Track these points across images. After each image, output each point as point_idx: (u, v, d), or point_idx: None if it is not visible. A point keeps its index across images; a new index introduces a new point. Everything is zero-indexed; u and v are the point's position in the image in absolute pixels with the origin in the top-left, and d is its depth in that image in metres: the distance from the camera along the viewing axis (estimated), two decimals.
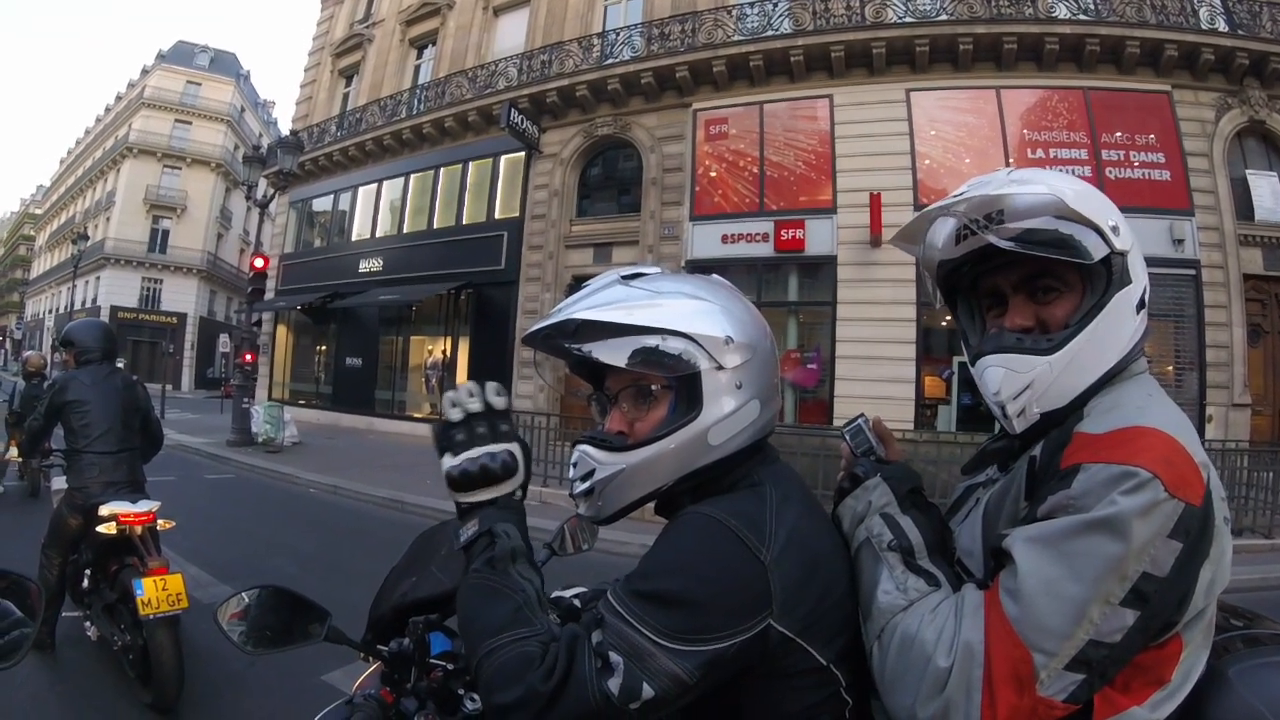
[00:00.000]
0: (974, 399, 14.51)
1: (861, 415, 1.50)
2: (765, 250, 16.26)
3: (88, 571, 4.59)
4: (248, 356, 18.43)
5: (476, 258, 20.51)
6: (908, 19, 15.90)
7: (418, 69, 24.93)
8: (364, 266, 23.58)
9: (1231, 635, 1.27)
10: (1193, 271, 14.74)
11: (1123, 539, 0.98)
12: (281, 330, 27.26)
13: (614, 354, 1.20)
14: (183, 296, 48.98)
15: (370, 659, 1.75)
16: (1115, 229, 1.17)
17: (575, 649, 1.07)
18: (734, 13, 17.48)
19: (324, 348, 26.05)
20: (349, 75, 27.34)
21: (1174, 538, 0.99)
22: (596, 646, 1.06)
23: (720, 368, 1.20)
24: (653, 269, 1.32)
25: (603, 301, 1.23)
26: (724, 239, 16.78)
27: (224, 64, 54.32)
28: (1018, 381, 1.19)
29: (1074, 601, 0.99)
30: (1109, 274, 1.18)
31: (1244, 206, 15.38)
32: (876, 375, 14.54)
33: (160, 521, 4.45)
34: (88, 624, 4.67)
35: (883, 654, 1.12)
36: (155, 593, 3.92)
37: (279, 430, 16.78)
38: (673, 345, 1.18)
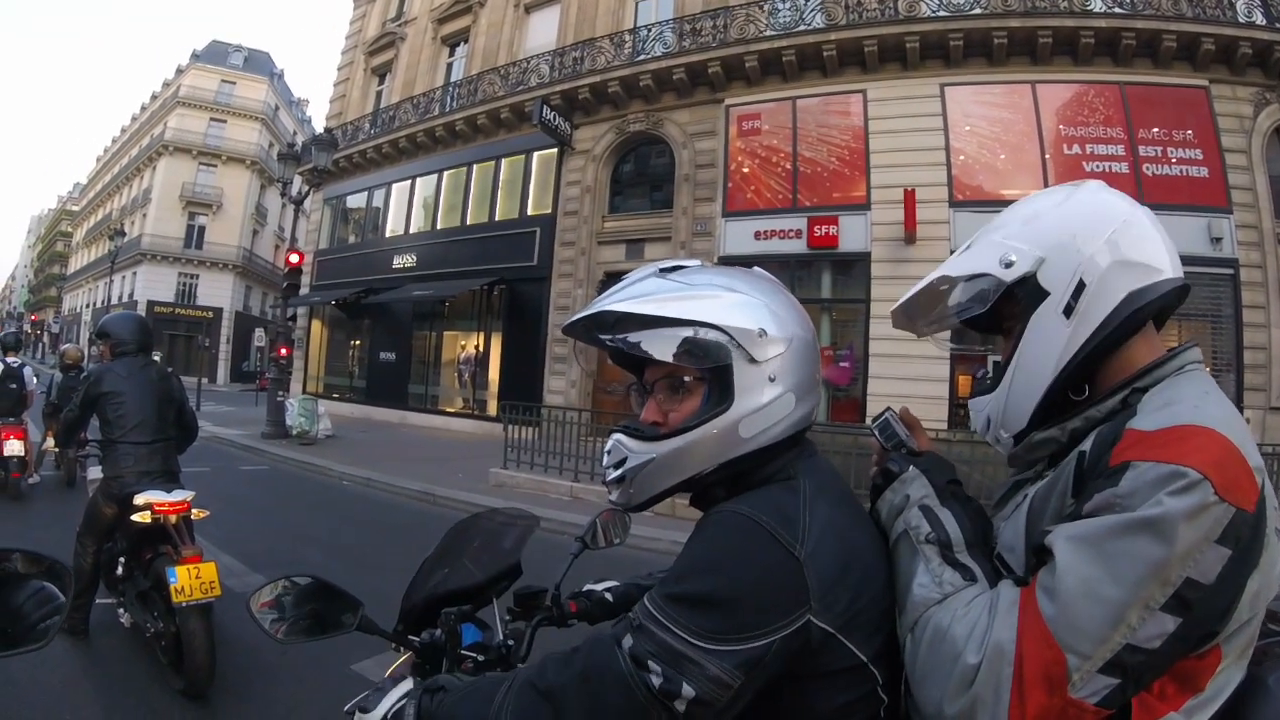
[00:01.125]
0: None
1: (889, 408, 1.49)
2: (798, 247, 16.20)
3: (121, 559, 4.65)
4: (282, 350, 18.67)
5: (509, 254, 20.59)
6: (941, 13, 15.73)
7: (450, 67, 25.08)
8: (398, 262, 23.77)
9: (1274, 641, 1.26)
10: (1230, 271, 14.49)
11: (1167, 542, 0.94)
12: (316, 325, 27.56)
13: (646, 345, 1.22)
14: (218, 291, 49.65)
15: (401, 649, 1.75)
16: (1009, 263, 1.23)
17: (596, 648, 1.12)
18: (766, 7, 17.37)
19: (358, 342, 26.30)
20: (382, 73, 27.56)
21: (1222, 544, 0.95)
22: (630, 650, 1.08)
23: (753, 360, 1.21)
24: (693, 262, 1.34)
25: (638, 294, 1.25)
26: (757, 235, 16.72)
27: (257, 63, 54.99)
28: (981, 419, 1.34)
29: (1112, 604, 0.96)
30: (1023, 300, 1.23)
31: None
32: (910, 374, 14.32)
33: (194, 511, 4.50)
34: (121, 611, 4.76)
35: (915, 647, 1.12)
36: (188, 580, 3.99)
37: (313, 423, 16.94)
38: (705, 337, 1.20)
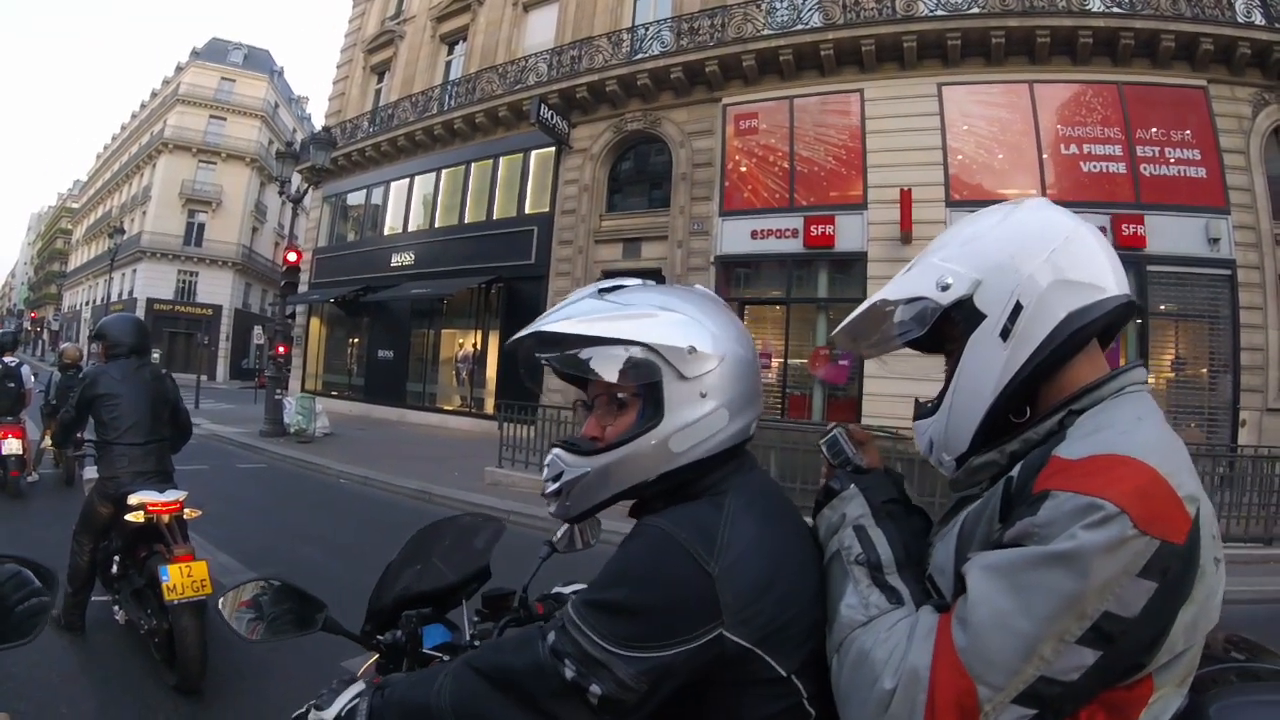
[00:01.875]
0: None
1: (836, 425, 1.50)
2: (795, 246, 16.17)
3: (116, 558, 4.72)
4: (280, 349, 18.69)
5: (507, 252, 20.64)
6: (939, 12, 15.67)
7: (449, 65, 25.10)
8: (396, 260, 23.82)
9: (1228, 667, 1.23)
10: (1228, 271, 14.46)
11: (1081, 576, 0.92)
12: (315, 323, 27.63)
13: (577, 364, 1.27)
14: (218, 289, 49.74)
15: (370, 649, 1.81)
16: (945, 286, 1.21)
17: (526, 639, 1.20)
18: (763, 6, 17.34)
19: (356, 340, 26.38)
20: (381, 71, 27.61)
21: (1146, 577, 0.93)
22: (551, 645, 1.14)
23: (683, 377, 1.24)
24: (633, 282, 1.38)
25: (572, 314, 1.30)
26: (753, 234, 16.71)
27: (257, 61, 55.07)
28: (924, 441, 1.32)
29: (1024, 637, 0.95)
30: (961, 323, 1.21)
31: None
32: (906, 373, 14.27)
33: (187, 510, 4.57)
34: (116, 608, 4.82)
35: (839, 668, 1.13)
36: (180, 579, 4.08)
37: (310, 421, 16.95)
38: (634, 355, 1.24)
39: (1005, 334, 1.16)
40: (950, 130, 15.60)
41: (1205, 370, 14.61)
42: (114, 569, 4.74)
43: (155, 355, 42.76)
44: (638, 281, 1.39)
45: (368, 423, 21.53)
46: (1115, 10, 15.28)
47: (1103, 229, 12.56)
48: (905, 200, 14.87)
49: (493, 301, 21.27)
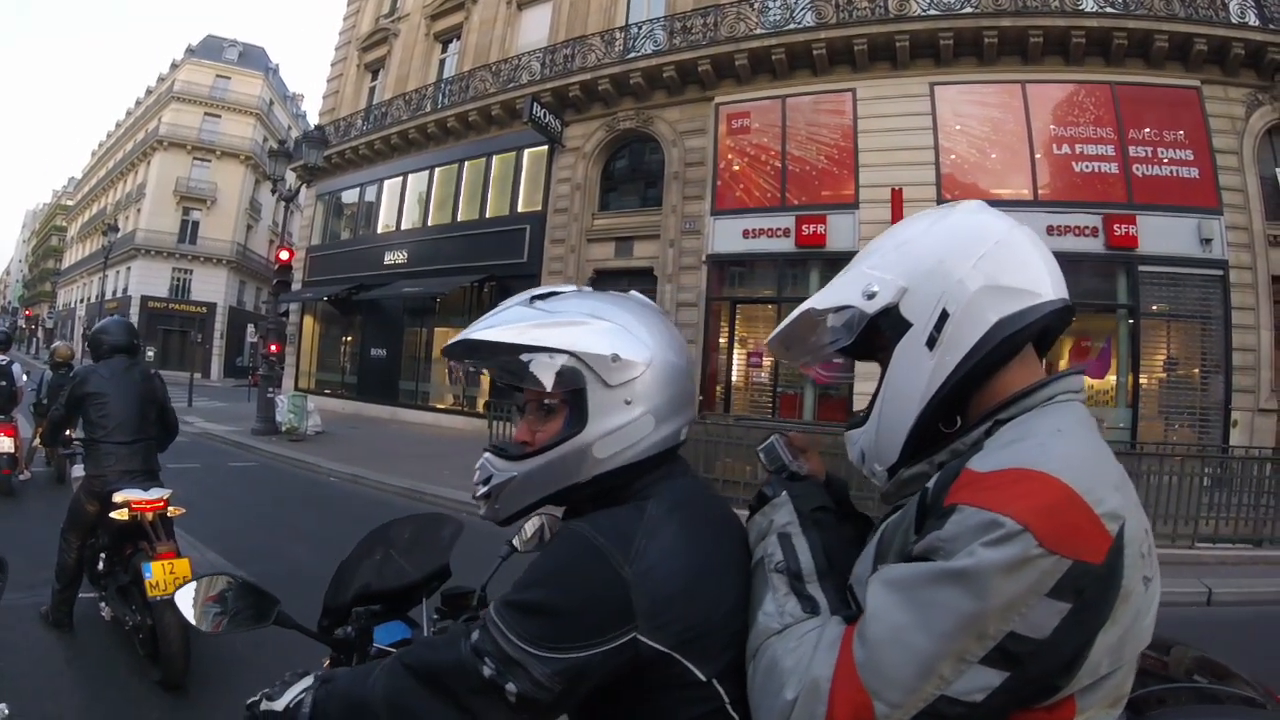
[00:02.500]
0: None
1: (776, 433, 1.49)
2: (786, 246, 16.14)
3: (103, 555, 4.81)
4: (273, 347, 18.81)
5: (499, 251, 20.64)
6: (932, 12, 15.65)
7: (442, 63, 25.04)
8: (389, 259, 23.79)
9: (1186, 688, 1.20)
10: (1220, 272, 14.45)
11: (979, 596, 0.90)
12: (308, 321, 27.59)
13: (505, 371, 1.31)
14: (212, 287, 49.59)
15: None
16: (871, 294, 1.18)
17: (453, 637, 1.21)
18: (756, 6, 17.32)
19: (349, 338, 26.31)
20: (375, 69, 27.54)
21: (1057, 598, 0.90)
22: (473, 643, 1.15)
23: (607, 384, 1.26)
24: (568, 288, 1.39)
25: (500, 322, 1.31)
26: (745, 234, 16.71)
27: (253, 58, 54.88)
28: (855, 452, 1.29)
29: (920, 654, 0.92)
30: (888, 332, 1.19)
31: (1274, 206, 15.05)
32: None
33: (171, 509, 4.62)
34: (103, 604, 4.89)
35: (753, 675, 1.12)
36: (163, 575, 4.16)
37: (302, 419, 17.01)
38: (558, 362, 1.25)
39: (931, 343, 1.13)
40: (942, 130, 15.59)
41: (1197, 371, 14.58)
42: (100, 566, 4.82)
43: (150, 353, 43.08)
44: (573, 288, 1.40)
45: (360, 421, 21.52)
46: (1108, 10, 15.25)
47: (1095, 229, 12.90)
48: (896, 200, 14.86)
49: (485, 300, 20.95)
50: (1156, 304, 14.63)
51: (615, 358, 1.25)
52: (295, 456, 14.20)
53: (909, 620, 0.94)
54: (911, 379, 1.16)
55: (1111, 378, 14.82)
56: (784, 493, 1.31)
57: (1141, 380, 14.49)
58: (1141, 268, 14.42)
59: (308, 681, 1.43)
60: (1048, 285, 1.15)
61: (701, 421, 11.72)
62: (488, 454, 1.39)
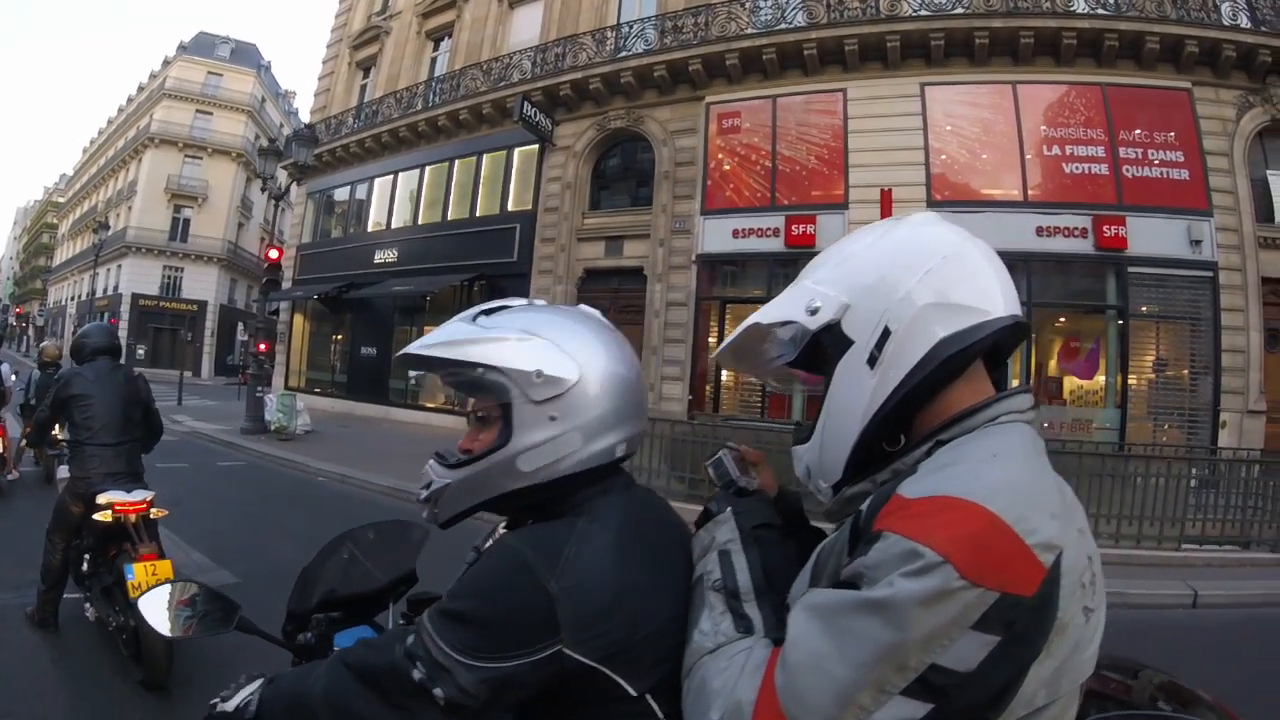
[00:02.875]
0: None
1: (725, 447, 1.49)
2: (776, 245, 16.13)
3: (87, 556, 4.82)
4: (261, 346, 18.68)
5: (489, 249, 20.64)
6: (923, 12, 15.65)
7: (434, 61, 24.99)
8: (379, 257, 23.77)
9: (1147, 715, 1.17)
10: (1210, 274, 14.49)
11: (897, 627, 0.87)
12: (298, 319, 27.51)
13: (448, 383, 1.39)
14: (203, 285, 49.38)
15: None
16: (814, 310, 1.17)
17: (390, 639, 1.27)
18: (747, 5, 17.33)
19: (340, 337, 26.24)
20: (366, 67, 27.48)
21: (984, 630, 0.86)
22: (406, 648, 1.20)
23: (531, 400, 1.28)
24: (518, 302, 1.43)
25: (438, 337, 1.36)
26: (735, 234, 16.70)
27: (245, 55, 54.66)
28: (801, 469, 1.27)
29: (839, 683, 0.90)
30: (830, 349, 1.17)
31: (1264, 208, 15.12)
32: None
33: (154, 510, 4.66)
34: (87, 605, 4.89)
35: (686, 694, 1.11)
36: (145, 577, 4.17)
37: (291, 419, 16.93)
38: (487, 378, 1.29)
39: (873, 361, 1.11)
40: (933, 130, 15.62)
41: (1186, 372, 14.63)
42: (85, 567, 4.84)
43: (140, 352, 42.99)
44: (523, 302, 1.43)
45: (351, 420, 21.46)
46: (1100, 12, 15.27)
47: (1084, 230, 12.91)
48: (886, 200, 14.82)
49: (475, 299, 20.73)
50: (1146, 305, 14.66)
51: (539, 374, 1.27)
52: (283, 456, 14.15)
53: (828, 648, 0.91)
54: (853, 397, 1.13)
55: (1100, 378, 14.86)
56: (728, 509, 1.30)
57: (1130, 381, 14.53)
58: (1131, 269, 14.45)
59: (260, 682, 1.46)
60: (998, 301, 1.12)
61: (689, 422, 11.71)
62: (431, 461, 1.43)
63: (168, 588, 1.80)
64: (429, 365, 1.36)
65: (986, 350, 1.13)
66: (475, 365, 1.29)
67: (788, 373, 1.38)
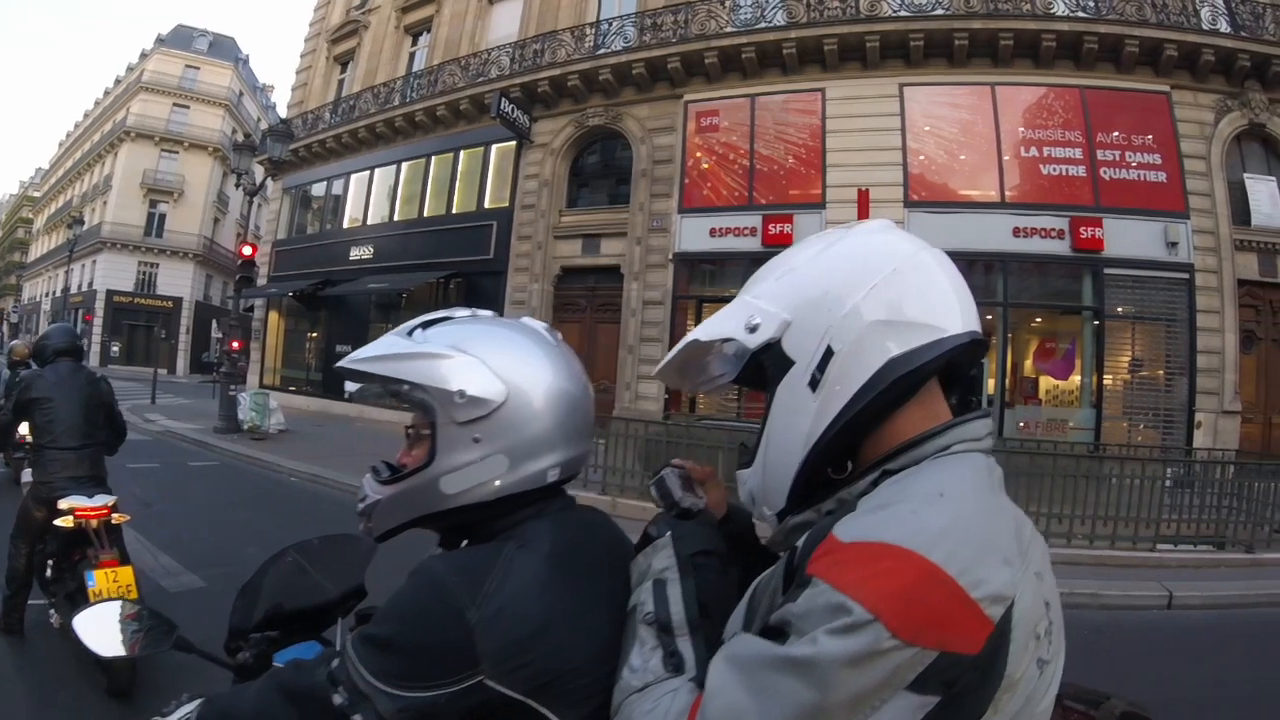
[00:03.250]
0: (960, 398, 14.40)
1: (668, 465, 1.40)
2: (753, 244, 16.07)
3: (50, 562, 4.81)
4: (234, 344, 18.61)
5: (466, 247, 20.53)
6: (903, 13, 15.73)
7: (412, 56, 24.79)
8: (355, 254, 23.59)
9: None
10: (1186, 275, 14.63)
11: (820, 689, 0.79)
12: (273, 316, 27.24)
13: (371, 397, 1.24)
14: (179, 281, 48.96)
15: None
16: (753, 327, 1.08)
17: (319, 662, 1.23)
18: (727, 4, 17.34)
19: (315, 334, 26.04)
20: (344, 62, 27.23)
21: (921, 691, 0.79)
22: (330, 671, 1.16)
23: (454, 421, 1.23)
24: (462, 313, 1.39)
25: (370, 352, 1.31)
26: (712, 232, 16.70)
27: (223, 48, 54.19)
28: (744, 493, 1.18)
29: None
30: (770, 368, 1.08)
31: (1241, 211, 15.26)
32: None
33: (115, 515, 4.59)
34: (51, 611, 4.86)
35: None
36: (106, 583, 4.18)
37: (264, 418, 16.80)
38: (413, 395, 1.25)
39: (814, 383, 1.02)
40: (911, 131, 15.67)
41: (1161, 372, 14.77)
42: (49, 573, 4.83)
43: (115, 349, 42.51)
44: (467, 313, 1.39)
45: (325, 418, 21.29)
46: (1080, 15, 15.37)
47: (1061, 232, 12.97)
48: (863, 200, 14.91)
49: (451, 296, 21.01)
50: (1122, 306, 14.79)
51: (462, 394, 1.22)
52: (256, 455, 14.03)
53: (747, 705, 0.84)
54: (794, 422, 1.04)
55: (1076, 378, 15.02)
56: (668, 533, 1.22)
57: (1106, 381, 14.66)
58: (1107, 270, 14.58)
59: (198, 703, 1.41)
60: (954, 317, 1.03)
61: (662, 422, 11.66)
62: (367, 475, 1.38)
63: (104, 607, 1.75)
64: (362, 378, 1.32)
65: (941, 370, 1.04)
66: (402, 382, 1.25)
67: (726, 387, 1.31)
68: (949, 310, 1.02)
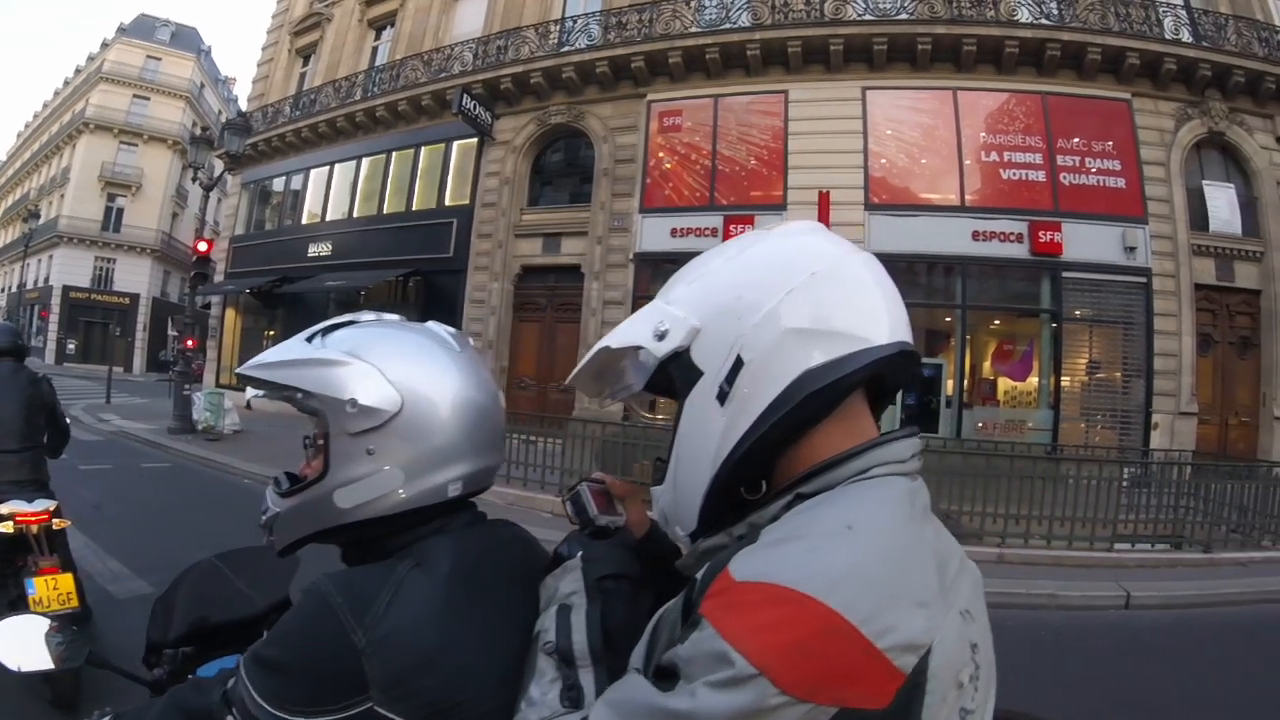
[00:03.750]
0: (918, 399, 14.53)
1: (583, 479, 1.32)
2: (714, 245, 15.92)
3: None
4: (189, 342, 18.27)
5: (425, 245, 20.36)
6: (867, 16, 15.84)
7: (375, 50, 24.55)
8: (313, 251, 23.29)
9: None
10: (1144, 279, 14.88)
11: None
12: (230, 314, 26.78)
13: (271, 403, 1.25)
14: (135, 277, 48.21)
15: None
16: (662, 334, 0.98)
17: (216, 682, 1.23)
18: (692, 4, 17.35)
19: (273, 333, 25.50)
20: (307, 55, 26.90)
21: None
22: (225, 692, 1.14)
23: (346, 432, 1.17)
24: (367, 316, 1.32)
25: (267, 358, 1.25)
26: (673, 232, 16.67)
27: (185, 39, 53.38)
28: (658, 511, 1.10)
29: None
30: (679, 379, 0.99)
31: (1199, 217, 15.54)
32: None
33: (56, 521, 4.44)
34: None
35: None
36: (46, 591, 4.08)
37: (219, 418, 16.54)
38: (307, 404, 1.19)
39: (723, 396, 0.93)
40: (873, 134, 15.78)
41: (1119, 374, 15.04)
42: None
43: (70, 346, 41.72)
44: (371, 316, 1.32)
45: (283, 418, 20.91)
46: (1043, 22, 15.62)
47: (1020, 235, 13.10)
48: (824, 202, 14.89)
49: (410, 295, 20.93)
50: (1080, 309, 15.03)
51: (353, 403, 1.15)
52: (210, 457, 13.81)
53: None
54: (702, 438, 0.95)
55: (1034, 380, 15.24)
56: (578, 554, 1.15)
57: (1064, 382, 14.90)
58: (1065, 274, 14.81)
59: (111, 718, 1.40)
60: (881, 327, 0.93)
61: (620, 424, 11.60)
62: (269, 486, 1.33)
63: (18, 620, 1.68)
64: (261, 384, 1.24)
65: (868, 384, 0.97)
66: (295, 390, 1.18)
67: (651, 399, 1.21)
68: (875, 319, 0.94)
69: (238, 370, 1.31)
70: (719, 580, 0.81)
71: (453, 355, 1.25)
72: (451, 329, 1.34)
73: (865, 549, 0.80)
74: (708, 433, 0.94)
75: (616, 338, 1.06)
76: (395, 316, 1.34)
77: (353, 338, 1.23)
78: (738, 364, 0.92)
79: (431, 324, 1.34)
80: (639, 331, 1.02)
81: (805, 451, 0.93)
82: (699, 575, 0.89)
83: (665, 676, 0.80)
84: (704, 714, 0.72)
